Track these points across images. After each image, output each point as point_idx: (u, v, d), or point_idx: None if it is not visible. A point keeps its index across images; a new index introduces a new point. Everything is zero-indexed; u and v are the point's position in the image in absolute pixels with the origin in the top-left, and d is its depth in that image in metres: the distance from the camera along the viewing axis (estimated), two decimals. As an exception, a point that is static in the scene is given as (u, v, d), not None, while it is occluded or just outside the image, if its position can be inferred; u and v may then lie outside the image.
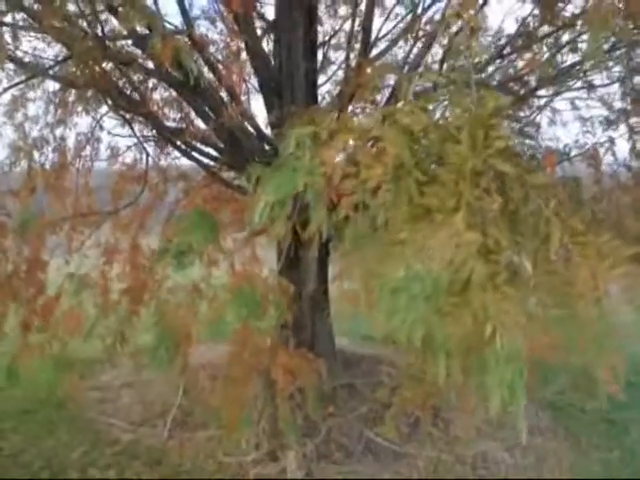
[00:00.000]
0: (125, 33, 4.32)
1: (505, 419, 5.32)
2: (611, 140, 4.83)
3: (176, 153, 6.45)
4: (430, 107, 2.17)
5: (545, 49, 5.29)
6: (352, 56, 5.26)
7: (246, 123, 5.25)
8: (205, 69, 5.00)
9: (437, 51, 5.83)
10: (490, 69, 5.46)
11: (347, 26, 6.27)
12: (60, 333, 4.02)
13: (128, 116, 5.29)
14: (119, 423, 5.12)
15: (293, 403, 4.00)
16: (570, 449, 4.96)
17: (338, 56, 7.13)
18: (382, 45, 5.71)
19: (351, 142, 1.82)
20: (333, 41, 6.94)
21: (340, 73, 6.90)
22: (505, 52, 5.39)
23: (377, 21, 5.71)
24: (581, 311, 2.32)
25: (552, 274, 2.11)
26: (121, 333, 4.01)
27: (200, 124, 5.83)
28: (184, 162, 6.82)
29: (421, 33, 5.26)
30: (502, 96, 2.19)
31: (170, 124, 5.44)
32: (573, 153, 5.09)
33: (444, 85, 2.16)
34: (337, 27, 6.84)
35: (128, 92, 4.78)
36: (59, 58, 4.79)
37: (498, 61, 5.50)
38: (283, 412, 3.64)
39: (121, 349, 4.06)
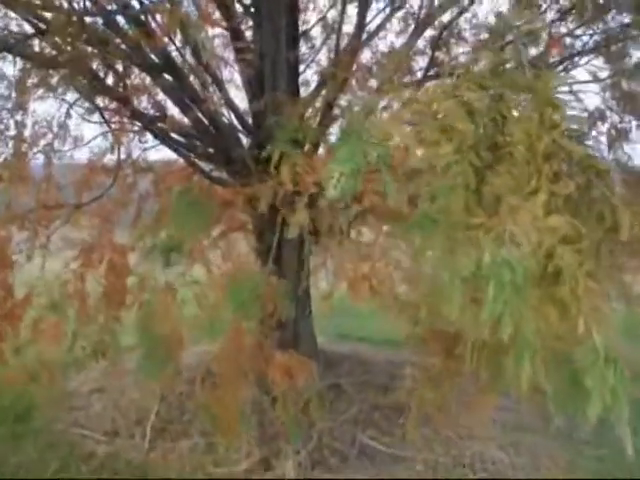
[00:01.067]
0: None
1: (494, 416, 5.26)
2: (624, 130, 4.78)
3: (147, 144, 6.13)
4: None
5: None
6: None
7: (228, 112, 4.98)
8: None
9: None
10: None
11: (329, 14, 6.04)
12: (37, 343, 3.61)
13: (100, 102, 4.89)
14: (93, 434, 4.72)
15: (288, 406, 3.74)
16: (562, 447, 4.91)
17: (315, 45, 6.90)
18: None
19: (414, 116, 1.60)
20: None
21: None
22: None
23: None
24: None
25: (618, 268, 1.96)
26: (102, 342, 3.66)
27: (175, 114, 5.55)
28: (153, 155, 6.47)
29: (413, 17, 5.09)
30: (560, 75, 2.03)
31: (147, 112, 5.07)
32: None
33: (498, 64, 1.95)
34: (316, 16, 6.61)
35: (102, 75, 4.40)
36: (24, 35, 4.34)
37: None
38: (286, 416, 3.40)
39: (102, 358, 3.72)
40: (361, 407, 5.17)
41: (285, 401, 3.34)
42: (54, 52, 3.61)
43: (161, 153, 7.13)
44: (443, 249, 1.50)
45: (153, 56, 4.42)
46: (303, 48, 6.84)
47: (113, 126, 5.76)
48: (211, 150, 5.08)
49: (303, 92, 6.12)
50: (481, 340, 1.77)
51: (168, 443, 4.55)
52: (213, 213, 4.18)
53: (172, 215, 3.13)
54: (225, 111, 4.98)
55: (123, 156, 5.97)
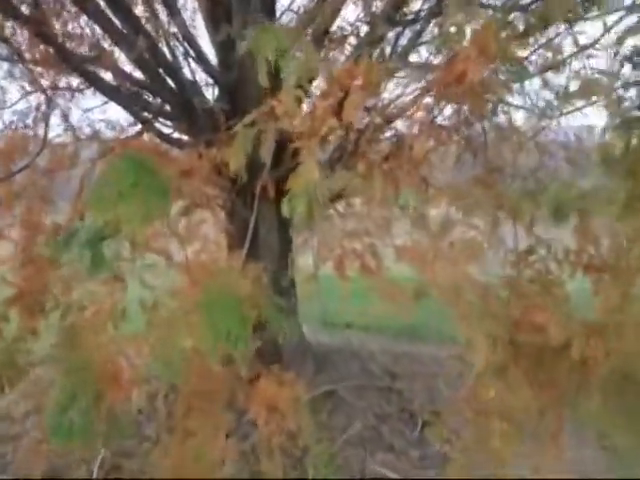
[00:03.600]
0: None
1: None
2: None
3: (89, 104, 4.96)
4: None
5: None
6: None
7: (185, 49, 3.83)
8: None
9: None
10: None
11: None
12: None
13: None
14: (22, 480, 3.55)
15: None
16: (612, 461, 4.07)
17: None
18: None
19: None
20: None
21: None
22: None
23: None
24: None
25: None
26: (10, 363, 2.54)
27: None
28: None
29: None
30: None
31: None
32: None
33: None
34: None
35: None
36: None
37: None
38: (273, 471, 2.39)
39: (9, 387, 2.60)
40: (365, 420, 4.19)
41: (270, 450, 2.32)
42: None
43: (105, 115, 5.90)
44: None
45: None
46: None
47: (44, 82, 4.54)
48: (167, 105, 3.94)
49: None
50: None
51: (122, 486, 3.47)
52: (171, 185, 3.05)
53: (97, 190, 1.97)
54: (182, 49, 3.81)
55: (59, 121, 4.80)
